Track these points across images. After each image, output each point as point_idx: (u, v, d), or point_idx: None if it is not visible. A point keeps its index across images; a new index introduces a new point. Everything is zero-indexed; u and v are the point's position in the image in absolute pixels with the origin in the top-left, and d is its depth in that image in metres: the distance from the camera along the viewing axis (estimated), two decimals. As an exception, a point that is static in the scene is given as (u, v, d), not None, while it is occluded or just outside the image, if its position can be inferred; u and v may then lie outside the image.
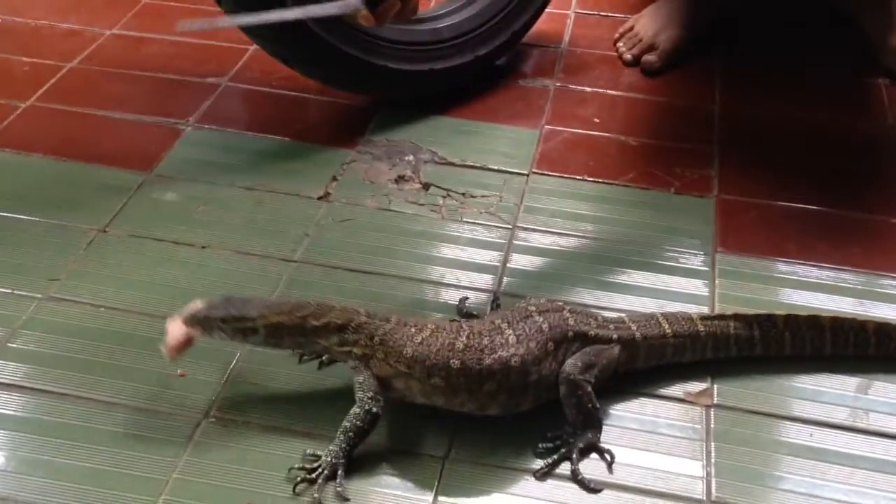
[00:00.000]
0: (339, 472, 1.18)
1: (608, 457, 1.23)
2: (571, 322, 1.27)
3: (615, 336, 1.29)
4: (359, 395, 1.21)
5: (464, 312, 1.45)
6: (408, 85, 1.95)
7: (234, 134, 1.89)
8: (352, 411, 1.20)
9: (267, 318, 1.22)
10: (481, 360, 1.20)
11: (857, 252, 1.63)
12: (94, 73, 2.06)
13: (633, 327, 1.31)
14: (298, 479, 1.17)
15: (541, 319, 1.25)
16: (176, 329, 1.22)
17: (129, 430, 1.25)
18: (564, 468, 1.21)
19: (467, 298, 1.48)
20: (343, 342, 1.23)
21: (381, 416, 1.20)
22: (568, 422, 1.24)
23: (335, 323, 1.23)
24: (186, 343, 1.23)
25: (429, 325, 1.25)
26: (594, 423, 1.24)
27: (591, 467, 1.22)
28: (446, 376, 1.20)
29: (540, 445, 1.24)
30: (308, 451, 1.20)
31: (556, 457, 1.22)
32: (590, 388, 1.23)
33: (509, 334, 1.23)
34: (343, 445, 1.19)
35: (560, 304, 1.32)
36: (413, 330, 1.23)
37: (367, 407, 1.20)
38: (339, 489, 1.17)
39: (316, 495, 1.15)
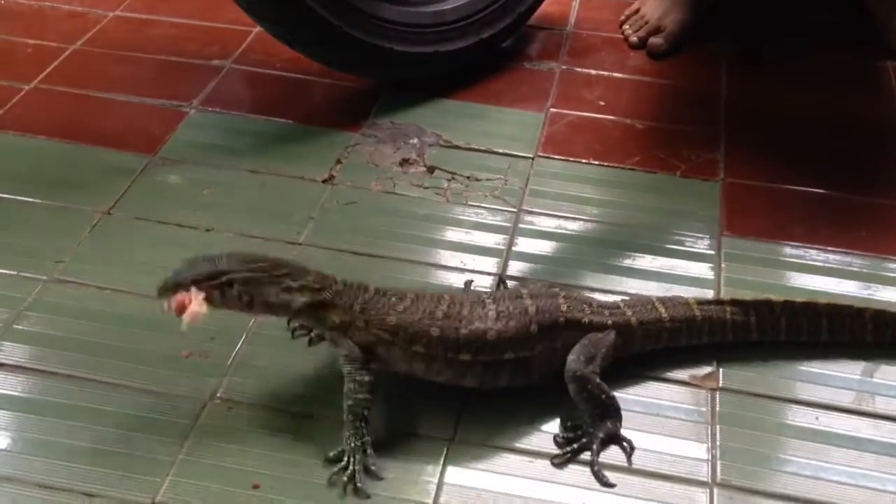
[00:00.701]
0: (368, 450, 1.18)
1: (628, 447, 1.22)
2: (564, 308, 1.26)
3: (610, 322, 1.28)
4: (346, 368, 1.20)
5: None
6: (412, 67, 1.94)
7: (238, 116, 1.88)
8: (346, 388, 1.20)
9: (241, 272, 1.18)
10: (458, 330, 1.21)
11: (863, 236, 1.62)
12: (98, 55, 2.05)
13: (629, 312, 1.31)
14: (341, 479, 1.15)
15: (529, 302, 1.25)
16: (179, 301, 1.19)
17: (134, 412, 1.25)
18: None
19: (472, 281, 1.47)
20: (320, 307, 1.21)
21: (375, 381, 1.20)
22: (586, 415, 1.23)
23: (311, 286, 1.21)
24: (192, 311, 1.16)
25: (408, 295, 1.24)
26: (612, 411, 1.23)
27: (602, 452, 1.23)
28: (427, 343, 1.21)
29: (560, 435, 1.24)
30: (331, 454, 1.19)
31: (575, 446, 1.21)
32: (598, 380, 1.23)
33: (490, 309, 1.23)
34: (357, 423, 1.18)
35: (555, 290, 1.32)
36: (394, 299, 1.23)
37: (357, 377, 1.19)
38: (373, 468, 1.17)
39: (359, 483, 1.15)
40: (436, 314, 1.22)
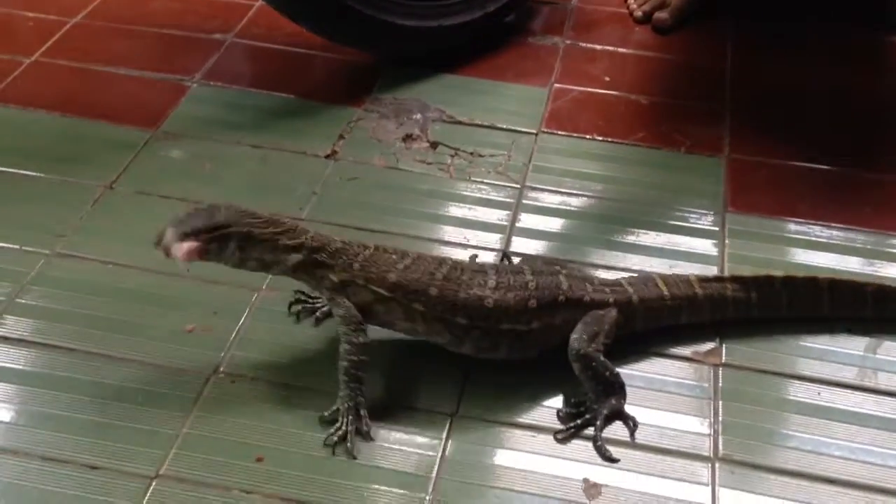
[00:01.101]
0: (362, 411, 1.19)
1: (631, 423, 1.23)
2: (565, 287, 1.26)
3: (612, 299, 1.28)
4: (342, 328, 1.21)
5: None
6: (415, 41, 1.93)
7: (240, 91, 1.87)
8: (341, 349, 1.20)
9: (240, 227, 1.18)
10: (456, 293, 1.21)
11: (867, 212, 1.61)
12: (99, 29, 2.03)
13: (631, 290, 1.30)
14: (331, 438, 1.17)
15: (530, 277, 1.25)
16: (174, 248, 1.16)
17: (138, 386, 1.25)
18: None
19: (477, 256, 1.47)
20: (316, 266, 1.21)
21: (369, 343, 1.20)
22: (591, 392, 1.24)
23: (310, 245, 1.21)
24: (186, 248, 1.16)
25: (410, 254, 1.25)
26: (616, 388, 1.23)
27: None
28: (425, 302, 1.21)
29: (563, 410, 1.24)
30: (326, 414, 1.20)
31: (579, 422, 1.22)
32: (602, 357, 1.23)
33: (491, 278, 1.23)
34: (352, 385, 1.19)
35: (557, 268, 1.31)
36: (395, 257, 1.23)
37: (353, 339, 1.19)
38: (365, 429, 1.18)
39: (349, 444, 1.16)
40: (436, 275, 1.22)
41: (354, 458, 1.16)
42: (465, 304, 1.21)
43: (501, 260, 1.47)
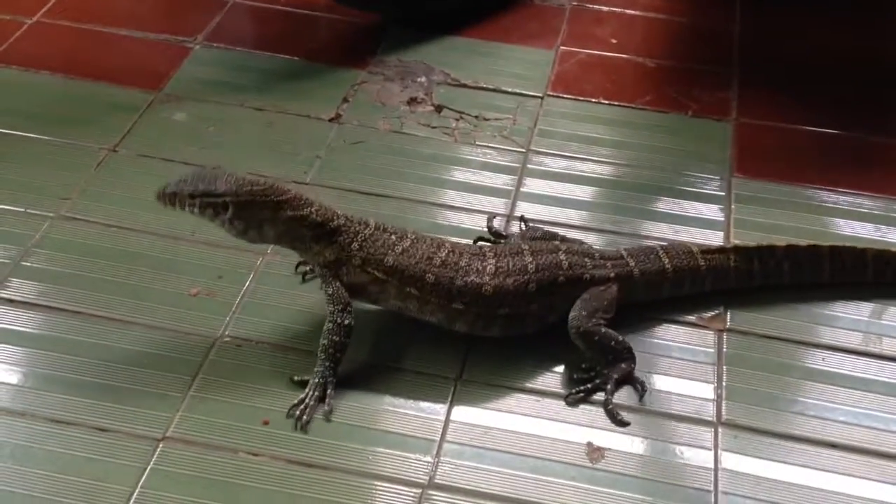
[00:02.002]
0: (329, 391, 1.18)
1: (640, 387, 1.23)
2: (565, 265, 1.25)
3: (613, 274, 1.27)
4: (329, 307, 1.20)
5: (493, 231, 1.44)
6: (420, 1, 1.90)
7: (243, 52, 1.85)
8: (325, 327, 1.20)
9: (237, 194, 1.17)
10: (453, 280, 1.21)
11: (876, 177, 1.60)
12: (100, -11, 2.01)
13: (632, 263, 1.29)
14: (294, 409, 1.17)
15: (529, 259, 1.24)
16: None
17: (144, 349, 1.26)
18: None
19: (495, 216, 1.46)
20: (316, 240, 1.20)
21: (353, 326, 1.20)
22: (600, 361, 1.24)
23: (312, 219, 1.20)
24: None
25: (409, 235, 1.24)
26: (624, 354, 1.23)
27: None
28: (421, 287, 1.21)
29: (575, 375, 1.24)
30: (295, 378, 1.20)
31: (589, 386, 1.22)
32: (604, 329, 1.23)
33: (490, 263, 1.22)
34: (327, 363, 1.19)
35: (556, 243, 1.31)
36: (394, 238, 1.22)
37: (338, 320, 1.19)
38: (326, 409, 1.17)
39: (305, 418, 1.16)
40: (434, 260, 1.21)
41: (305, 432, 1.15)
42: (461, 292, 1.21)
43: (520, 223, 1.46)
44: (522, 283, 1.22)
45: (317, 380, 1.19)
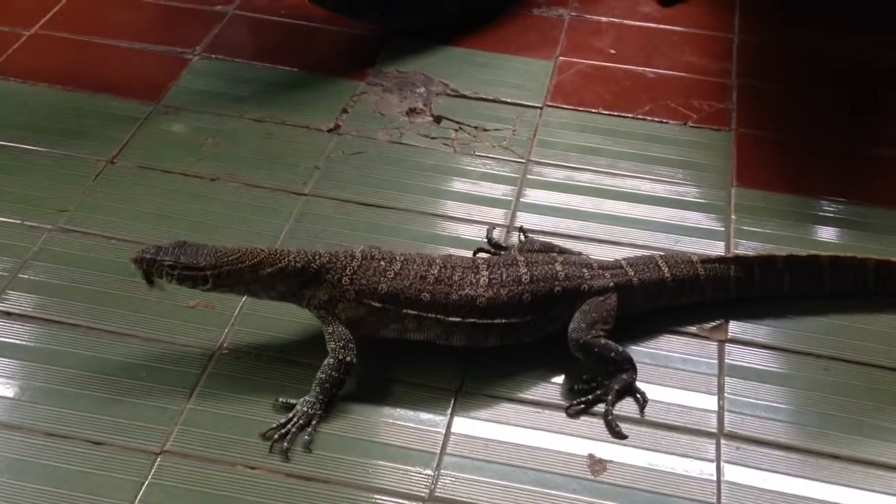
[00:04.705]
0: (314, 422, 1.16)
1: (641, 399, 1.22)
2: (561, 276, 1.24)
3: (611, 284, 1.26)
4: (331, 345, 1.19)
5: (492, 242, 1.43)
6: (418, 12, 1.90)
7: (242, 64, 1.85)
8: (326, 362, 1.19)
9: (217, 267, 1.18)
10: (448, 295, 1.20)
11: (878, 187, 1.60)
12: (99, 0, 2.01)
13: (631, 272, 1.29)
14: (272, 432, 1.15)
15: (524, 270, 1.23)
16: None
17: (142, 361, 1.25)
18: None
19: (494, 227, 1.46)
20: (304, 287, 1.20)
21: (355, 364, 1.19)
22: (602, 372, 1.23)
23: (294, 267, 1.20)
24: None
25: (398, 257, 1.23)
26: (625, 365, 1.23)
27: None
28: (419, 307, 1.20)
29: (576, 386, 1.23)
30: (281, 400, 1.19)
31: (590, 397, 1.21)
32: (603, 341, 1.22)
33: (483, 276, 1.22)
34: (320, 397, 1.18)
35: (554, 254, 1.30)
36: (384, 264, 1.22)
37: (340, 357, 1.18)
38: (307, 438, 1.15)
39: (286, 444, 1.14)
40: (427, 278, 1.21)
41: (287, 459, 1.13)
42: (456, 306, 1.20)
43: (520, 234, 1.46)
44: (517, 294, 1.22)
45: (305, 408, 1.17)
